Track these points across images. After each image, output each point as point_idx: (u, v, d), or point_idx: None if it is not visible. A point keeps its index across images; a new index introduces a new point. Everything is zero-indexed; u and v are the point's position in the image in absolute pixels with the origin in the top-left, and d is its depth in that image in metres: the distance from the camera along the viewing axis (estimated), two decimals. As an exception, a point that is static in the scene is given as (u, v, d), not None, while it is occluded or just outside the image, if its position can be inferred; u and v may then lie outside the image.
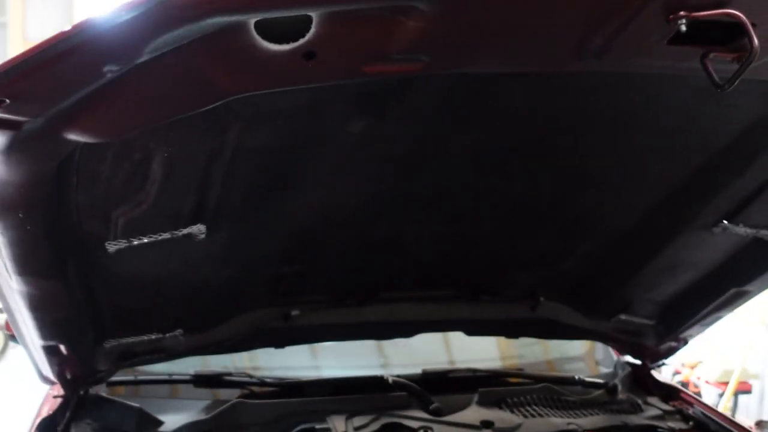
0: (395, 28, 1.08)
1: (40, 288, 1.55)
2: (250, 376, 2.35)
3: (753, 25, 1.14)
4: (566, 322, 2.45)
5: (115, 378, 2.30)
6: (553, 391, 2.44)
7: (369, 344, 2.72)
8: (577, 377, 2.59)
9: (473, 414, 2.25)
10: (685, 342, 2.55)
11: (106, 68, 1.03)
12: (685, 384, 5.48)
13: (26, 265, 1.46)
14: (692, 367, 5.57)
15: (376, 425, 2.14)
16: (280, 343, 2.34)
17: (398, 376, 2.39)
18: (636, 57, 1.24)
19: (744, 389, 5.48)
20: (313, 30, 1.05)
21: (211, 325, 2.14)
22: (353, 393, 2.31)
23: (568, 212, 1.99)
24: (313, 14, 1.03)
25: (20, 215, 1.30)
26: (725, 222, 1.93)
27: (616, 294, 2.36)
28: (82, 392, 2.17)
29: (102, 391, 2.28)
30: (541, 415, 2.29)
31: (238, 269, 1.93)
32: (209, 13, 0.98)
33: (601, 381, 2.60)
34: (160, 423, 2.17)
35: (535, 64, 1.29)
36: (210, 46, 1.03)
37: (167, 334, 2.05)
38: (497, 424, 2.19)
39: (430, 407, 2.25)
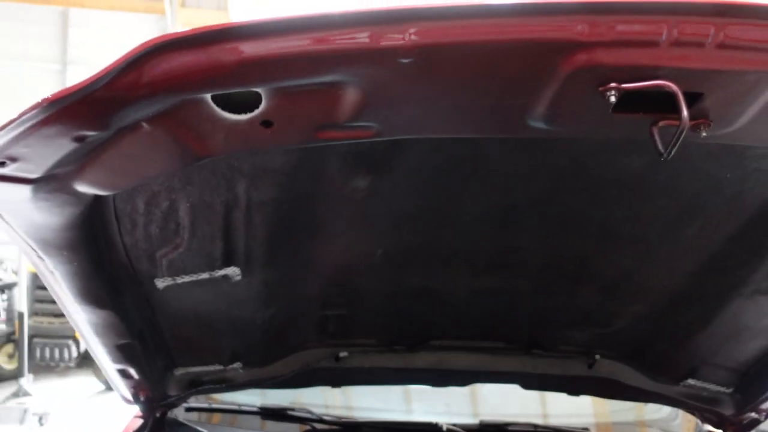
0: (336, 100, 1.16)
1: (99, 316, 1.76)
2: (310, 413, 2.46)
3: (699, 94, 1.12)
4: (628, 382, 2.36)
5: (193, 405, 2.52)
6: None
7: (463, 392, 2.77)
8: None
9: None
10: (767, 415, 2.37)
11: (83, 134, 1.17)
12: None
13: (82, 295, 1.67)
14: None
15: None
16: (332, 382, 2.44)
17: (455, 424, 2.41)
18: (584, 124, 1.24)
19: None
20: (264, 102, 1.15)
21: (267, 361, 2.28)
22: None
23: (604, 272, 1.96)
24: (259, 90, 1.14)
25: (64, 253, 1.49)
26: None
27: (679, 357, 2.24)
28: (158, 414, 2.38)
29: (181, 416, 2.49)
30: None
31: (281, 309, 2.05)
32: (159, 92, 1.11)
33: (674, 450, 2.47)
34: None
35: (486, 130, 1.31)
36: (177, 116, 1.17)
37: (228, 366, 2.21)
38: None
39: None
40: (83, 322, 1.81)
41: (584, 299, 2.07)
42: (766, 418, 2.42)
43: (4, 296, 8.40)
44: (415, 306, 2.14)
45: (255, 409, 2.54)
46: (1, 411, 6.27)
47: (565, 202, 1.69)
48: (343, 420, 2.50)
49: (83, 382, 7.86)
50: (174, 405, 2.40)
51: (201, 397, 2.64)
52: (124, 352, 1.98)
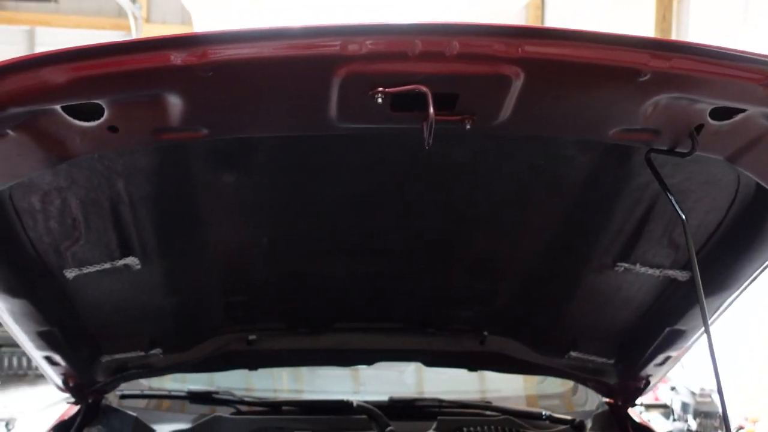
0: (163, 108, 1.40)
1: (15, 305, 1.97)
2: (233, 395, 2.67)
3: (455, 95, 1.38)
4: (517, 356, 2.58)
5: (127, 392, 2.73)
6: (513, 423, 2.57)
7: (409, 370, 3.01)
8: (544, 413, 2.69)
9: None
10: (647, 382, 2.60)
11: None
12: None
13: None
14: (754, 422, 5.32)
15: None
16: (246, 364, 2.66)
17: (366, 401, 2.63)
18: (374, 121, 1.49)
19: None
20: (106, 111, 1.39)
21: (184, 347, 2.49)
22: (322, 414, 2.58)
23: (466, 252, 2.21)
24: (100, 102, 1.36)
25: None
26: (622, 262, 2.07)
27: (557, 331, 2.48)
28: (90, 400, 2.58)
29: (115, 403, 2.70)
30: None
31: (187, 296, 2.28)
32: (8, 106, 1.31)
33: (569, 418, 2.70)
34: (152, 431, 2.53)
35: (299, 128, 1.57)
36: (36, 124, 1.39)
37: (149, 352, 2.42)
38: None
39: (385, 430, 2.47)
40: (2, 310, 2.02)
41: (458, 279, 2.31)
42: (646, 386, 2.67)
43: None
44: (308, 291, 2.36)
45: (183, 393, 2.76)
46: (-33, 418, 6.44)
47: (411, 189, 1.93)
48: (262, 400, 2.72)
49: (53, 389, 7.96)
50: (104, 391, 2.60)
51: (135, 384, 2.86)
52: (45, 339, 2.18)
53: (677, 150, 1.58)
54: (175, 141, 1.53)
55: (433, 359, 2.68)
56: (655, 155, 1.62)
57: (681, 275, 2.11)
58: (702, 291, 1.66)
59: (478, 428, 2.52)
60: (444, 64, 1.32)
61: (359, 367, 3.10)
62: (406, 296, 2.42)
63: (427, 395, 2.89)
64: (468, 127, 1.44)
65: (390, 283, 2.35)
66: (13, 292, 1.94)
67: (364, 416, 2.53)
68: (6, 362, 7.83)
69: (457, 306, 2.49)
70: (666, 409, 5.83)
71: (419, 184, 1.91)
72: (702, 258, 2.07)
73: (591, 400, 2.92)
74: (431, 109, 1.32)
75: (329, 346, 2.57)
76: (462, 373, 2.85)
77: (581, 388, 2.97)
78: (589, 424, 2.66)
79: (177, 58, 1.27)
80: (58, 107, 1.36)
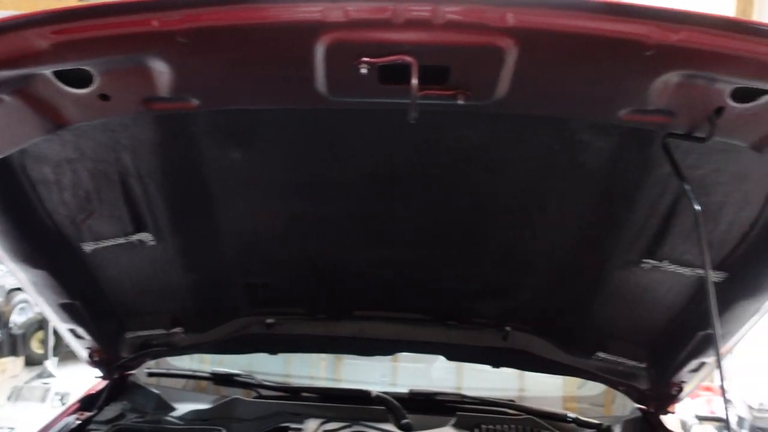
0: (149, 76, 1.39)
1: (36, 275, 2.03)
2: (253, 379, 2.68)
3: (446, 68, 1.30)
4: (540, 354, 2.49)
5: (153, 369, 2.78)
6: (535, 423, 2.48)
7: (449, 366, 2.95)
8: (570, 416, 2.60)
9: None
10: (681, 389, 2.47)
11: None
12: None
13: (14, 254, 1.94)
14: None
15: (345, 431, 2.36)
16: (265, 348, 2.66)
17: (385, 392, 2.59)
18: (362, 94, 1.43)
19: None
20: (96, 79, 1.40)
21: (205, 327, 2.52)
22: (340, 402, 2.55)
23: (489, 243, 2.13)
24: (88, 68, 1.36)
25: None
26: (649, 259, 1.96)
27: (584, 330, 2.38)
28: (116, 376, 2.64)
29: (142, 380, 2.75)
30: None
31: (203, 275, 2.29)
32: None
33: (596, 422, 2.59)
34: (173, 409, 2.57)
35: (289, 100, 1.52)
36: (30, 90, 1.41)
37: (171, 331, 2.46)
38: None
39: (402, 422, 2.42)
40: (26, 282, 2.08)
41: (481, 270, 2.24)
42: (679, 393, 2.53)
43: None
44: (328, 276, 2.33)
45: (207, 374, 2.79)
46: (26, 390, 6.74)
47: (428, 172, 1.87)
48: (283, 385, 2.72)
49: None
50: (128, 367, 2.66)
51: (163, 363, 2.92)
52: (68, 312, 2.24)
53: (695, 135, 1.47)
54: (168, 111, 1.53)
55: (455, 353, 2.62)
56: (674, 142, 1.52)
57: (715, 275, 1.99)
58: (713, 290, 1.55)
59: (497, 426, 2.45)
60: (432, 33, 1.26)
61: (400, 360, 3.10)
62: (428, 287, 2.37)
63: (466, 391, 2.84)
64: (461, 102, 1.37)
65: (411, 273, 2.30)
66: (32, 262, 1.99)
67: (381, 407, 2.50)
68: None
69: (479, 299, 2.42)
70: (721, 422, 5.58)
71: (436, 167, 1.86)
72: (738, 257, 1.95)
73: (628, 407, 2.80)
74: (414, 81, 1.27)
75: (348, 334, 2.54)
76: (500, 372, 2.79)
77: (620, 395, 2.86)
78: (618, 430, 2.55)
79: (156, 22, 1.26)
80: (48, 73, 1.38)
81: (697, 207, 1.54)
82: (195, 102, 1.49)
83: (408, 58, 1.28)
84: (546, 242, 2.08)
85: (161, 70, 1.38)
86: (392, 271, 2.29)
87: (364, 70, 1.31)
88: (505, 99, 1.41)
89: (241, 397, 2.59)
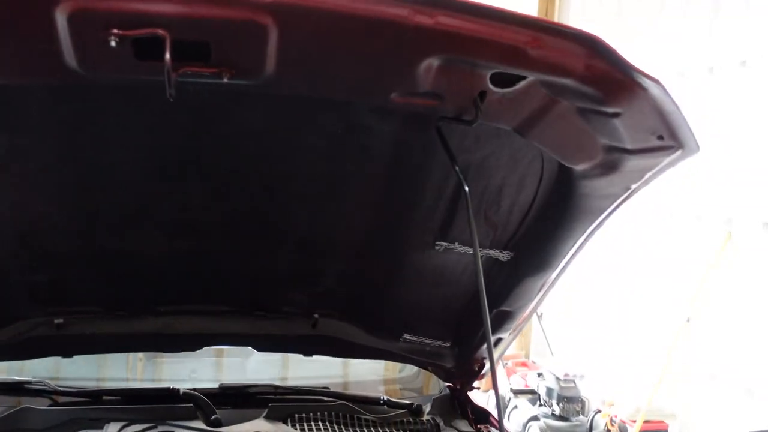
0: None
1: None
2: (47, 385, 2.46)
3: (206, 43, 1.28)
4: (351, 339, 2.51)
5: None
6: (348, 408, 2.50)
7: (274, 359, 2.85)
8: (383, 398, 2.65)
9: (251, 427, 2.31)
10: (482, 365, 2.60)
11: None
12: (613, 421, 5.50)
13: None
14: (610, 405, 5.56)
15: None
16: (56, 351, 2.45)
17: (193, 389, 2.49)
18: (117, 69, 1.36)
19: (660, 429, 5.44)
20: None
21: None
22: (145, 403, 2.41)
23: (287, 230, 2.10)
24: None
25: None
26: (442, 241, 2.04)
27: (388, 313, 2.43)
28: None
29: None
30: (321, 430, 2.36)
31: None
32: None
33: (407, 402, 2.66)
34: None
35: (33, 73, 1.40)
36: None
37: None
38: None
39: (211, 418, 2.34)
40: None
41: (283, 259, 2.20)
42: (481, 369, 2.67)
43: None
44: (124, 270, 2.19)
45: (-8, 384, 2.52)
46: None
47: (214, 157, 1.80)
48: (81, 390, 2.52)
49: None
50: None
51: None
52: None
53: (463, 118, 1.53)
54: None
55: (265, 344, 2.56)
56: (451, 126, 1.57)
57: (502, 255, 2.10)
58: (481, 267, 1.63)
59: (311, 414, 2.44)
60: (186, 6, 1.20)
61: (225, 354, 2.98)
62: (231, 277, 2.29)
63: (291, 381, 2.80)
64: (225, 80, 1.32)
65: (212, 263, 2.21)
66: None
67: (190, 404, 2.40)
68: None
69: (285, 288, 2.38)
70: (533, 395, 6.01)
71: (222, 151, 1.78)
72: (521, 237, 2.07)
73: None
74: (167, 56, 1.21)
75: (152, 330, 2.40)
76: (323, 360, 2.77)
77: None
78: (428, 408, 2.64)
79: None
80: None
81: (466, 188, 1.61)
82: None
83: (161, 31, 1.21)
84: (344, 227, 2.09)
85: None
86: (194, 263, 2.19)
87: (113, 43, 1.22)
88: (272, 78, 1.38)
89: (32, 406, 2.37)
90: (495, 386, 1.76)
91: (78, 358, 2.62)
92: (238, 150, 1.78)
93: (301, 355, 2.93)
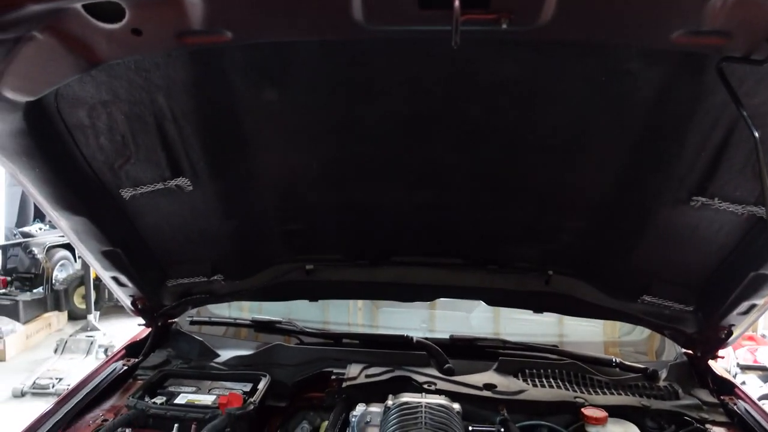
0: (180, 7, 1.34)
1: (77, 222, 2.03)
2: (295, 326, 2.68)
3: None
4: (584, 298, 2.43)
5: (196, 318, 2.81)
6: (579, 368, 2.44)
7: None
8: (615, 360, 2.55)
9: (482, 378, 2.34)
10: (730, 333, 2.40)
11: None
12: None
13: (54, 201, 1.93)
14: None
15: (386, 376, 2.33)
16: (305, 295, 2.64)
17: (426, 338, 2.57)
18: (399, 21, 1.36)
19: None
20: (127, 12, 1.35)
21: (244, 274, 2.51)
22: (381, 348, 2.54)
23: (529, 184, 2.05)
24: (119, 0, 1.31)
25: (23, 159, 1.75)
26: (699, 197, 1.88)
27: (629, 273, 2.31)
28: (159, 324, 2.67)
29: (185, 328, 2.78)
30: (552, 387, 2.33)
31: (242, 222, 2.26)
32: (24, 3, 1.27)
33: (642, 366, 2.54)
34: (217, 355, 2.59)
35: (325, 31, 1.45)
36: (61, 26, 1.37)
37: (211, 278, 2.46)
38: (500, 388, 2.27)
39: (444, 367, 2.41)
40: (67, 229, 2.09)
41: (522, 213, 2.17)
42: (728, 337, 2.46)
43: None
44: (365, 221, 2.29)
45: (248, 322, 2.80)
46: (71, 343, 6.94)
47: (464, 112, 1.79)
48: (324, 332, 2.72)
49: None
50: (171, 315, 2.68)
51: (203, 311, 2.94)
52: (110, 259, 2.25)
53: (753, 58, 1.38)
54: (201, 45, 1.47)
55: (496, 298, 2.57)
56: (729, 66, 1.42)
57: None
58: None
59: (541, 370, 2.41)
60: None
61: (437, 307, 3.06)
62: (467, 230, 2.31)
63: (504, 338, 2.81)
64: (504, 26, 1.29)
65: (450, 216, 2.24)
66: (73, 209, 1.98)
67: (423, 352, 2.48)
68: (107, 294, 8.34)
69: (520, 243, 2.36)
70: (764, 372, 5.51)
71: (472, 104, 1.78)
72: None
73: (673, 353, 2.74)
74: (457, 2, 1.20)
75: (388, 280, 2.50)
76: (538, 319, 2.74)
77: (664, 340, 2.80)
78: (663, 374, 2.50)
79: None
80: (79, 6, 1.34)
81: (756, 134, 1.45)
82: (228, 35, 1.44)
83: None
84: (590, 181, 2.00)
85: (193, 1, 1.34)
86: (431, 215, 2.24)
87: None
88: (550, 23, 1.33)
89: (283, 343, 2.60)
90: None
91: (305, 303, 2.83)
92: (488, 101, 1.77)
93: (512, 313, 2.92)
